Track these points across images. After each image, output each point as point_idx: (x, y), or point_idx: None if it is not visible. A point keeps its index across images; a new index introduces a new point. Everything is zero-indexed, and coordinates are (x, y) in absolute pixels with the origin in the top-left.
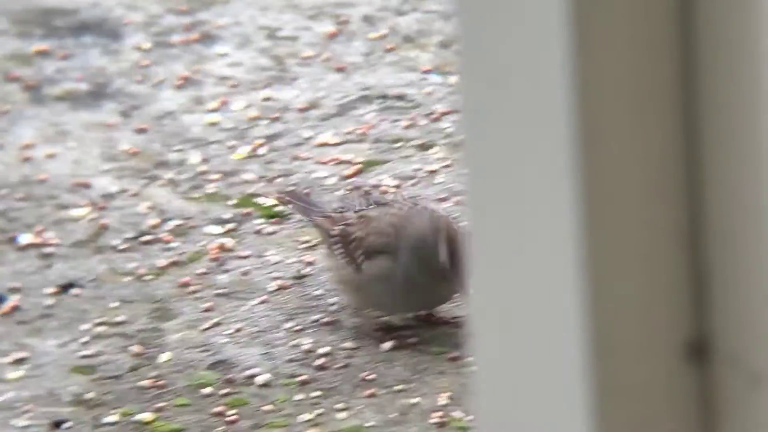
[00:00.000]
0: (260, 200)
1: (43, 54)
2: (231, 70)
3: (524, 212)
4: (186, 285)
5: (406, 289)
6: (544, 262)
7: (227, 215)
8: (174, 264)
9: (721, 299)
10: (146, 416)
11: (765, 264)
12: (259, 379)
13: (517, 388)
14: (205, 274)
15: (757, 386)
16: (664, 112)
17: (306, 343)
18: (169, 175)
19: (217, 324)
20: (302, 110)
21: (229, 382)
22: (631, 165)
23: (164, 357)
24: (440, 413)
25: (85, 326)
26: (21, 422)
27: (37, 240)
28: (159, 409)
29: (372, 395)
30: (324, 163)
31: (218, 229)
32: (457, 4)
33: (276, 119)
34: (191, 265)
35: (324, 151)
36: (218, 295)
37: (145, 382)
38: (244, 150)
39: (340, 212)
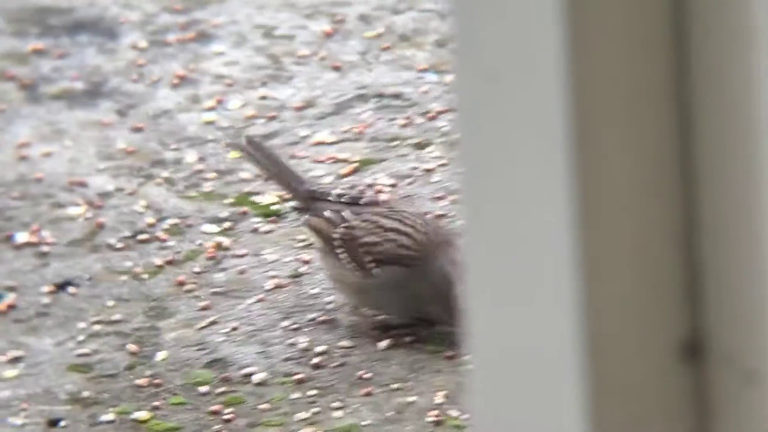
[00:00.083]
0: (257, 199)
1: (39, 53)
2: (227, 68)
3: (519, 211)
4: (182, 284)
5: (416, 296)
6: (539, 260)
7: (224, 214)
8: (170, 263)
9: (715, 298)
10: (142, 415)
11: (759, 262)
12: (256, 378)
13: (512, 386)
14: (201, 272)
15: (751, 384)
16: (658, 110)
17: (302, 341)
18: (165, 173)
19: (213, 323)
20: (298, 109)
21: (226, 380)
22: (625, 163)
23: (160, 355)
24: (436, 412)
25: (81, 325)
26: (17, 421)
27: (34, 239)
28: (155, 408)
29: (368, 394)
30: (320, 162)
31: (215, 228)
32: (452, 2)
33: (272, 118)
34: (187, 263)
35: (320, 150)
36: (215, 293)
37: (141, 381)
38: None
39: (336, 212)
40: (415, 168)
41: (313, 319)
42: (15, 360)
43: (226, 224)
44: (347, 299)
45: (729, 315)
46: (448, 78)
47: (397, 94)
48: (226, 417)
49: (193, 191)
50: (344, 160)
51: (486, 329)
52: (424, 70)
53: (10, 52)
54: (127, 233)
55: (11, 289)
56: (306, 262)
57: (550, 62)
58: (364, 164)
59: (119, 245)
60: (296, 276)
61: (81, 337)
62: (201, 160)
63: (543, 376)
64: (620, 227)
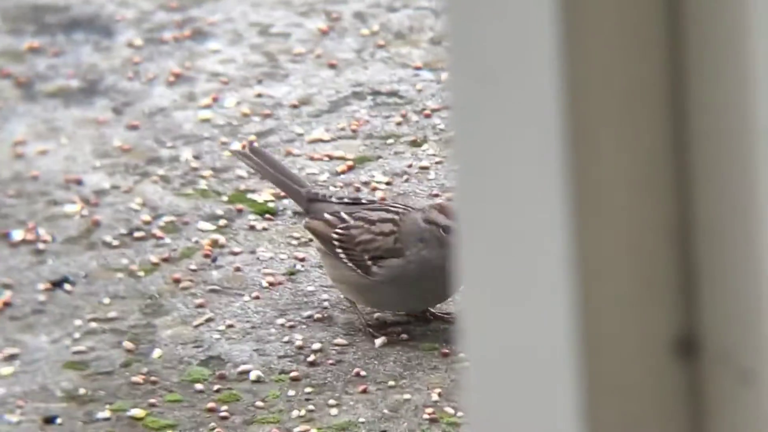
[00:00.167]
0: (252, 196)
1: (35, 51)
2: (223, 66)
3: (514, 209)
4: (178, 281)
5: (418, 285)
6: (534, 258)
7: (219, 211)
8: (166, 260)
9: (710, 296)
10: (138, 412)
11: (753, 261)
12: (252, 375)
13: (507, 384)
14: (197, 270)
15: (746, 383)
16: (652, 109)
17: (298, 339)
18: (161, 171)
19: (209, 320)
20: (294, 107)
21: (222, 378)
22: (619, 161)
23: (156, 353)
24: (432, 409)
25: (77, 322)
26: (13, 418)
27: (30, 236)
28: (151, 405)
29: (364, 391)
30: (316, 160)
31: (210, 226)
32: (447, 1)
33: (268, 116)
34: (184, 261)
35: (316, 148)
36: (210, 291)
37: (137, 378)
38: (236, 146)
39: (334, 214)
40: (410, 165)
41: (308, 317)
42: (11, 357)
43: (222, 222)
44: (352, 299)
45: (724, 314)
46: (444, 76)
47: (393, 91)
48: (221, 414)
49: (188, 189)
50: (340, 158)
51: (481, 327)
52: (420, 68)
53: (6, 49)
54: (123, 231)
55: (7, 286)
56: (301, 260)
57: (545, 60)
58: (360, 162)
59: (115, 243)
60: (292, 273)
61: (77, 335)
62: (197, 157)
63: (538, 374)
64: (615, 226)
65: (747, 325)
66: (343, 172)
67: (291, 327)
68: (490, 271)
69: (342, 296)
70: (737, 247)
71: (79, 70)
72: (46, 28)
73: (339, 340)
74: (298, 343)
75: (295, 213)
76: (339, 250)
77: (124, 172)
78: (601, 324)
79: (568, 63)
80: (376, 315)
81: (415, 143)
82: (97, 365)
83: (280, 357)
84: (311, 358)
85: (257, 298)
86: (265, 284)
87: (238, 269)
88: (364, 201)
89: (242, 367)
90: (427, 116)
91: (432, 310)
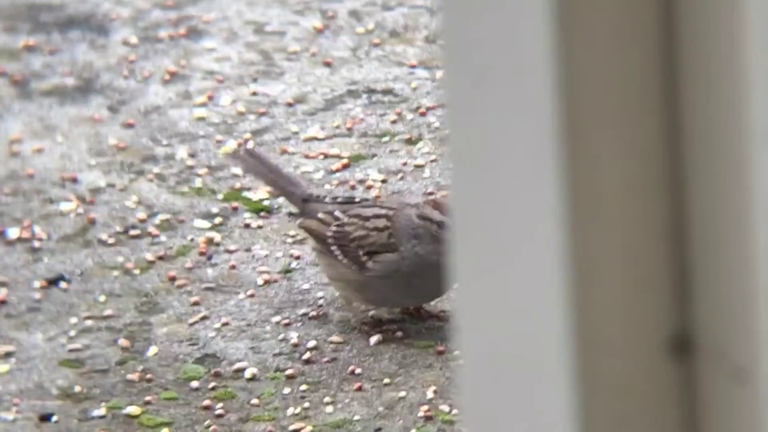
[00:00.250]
0: (248, 194)
1: (31, 49)
2: (218, 64)
3: (508, 207)
4: (174, 279)
5: (413, 281)
6: (529, 257)
7: (215, 209)
8: (162, 258)
9: (704, 295)
10: (134, 410)
11: (747, 260)
12: (247, 373)
13: (502, 383)
14: (192, 268)
15: (740, 381)
16: (647, 108)
17: (293, 336)
18: (156, 169)
19: (204, 318)
20: (289, 105)
21: (217, 375)
22: (614, 160)
23: (152, 351)
24: (427, 407)
25: (73, 320)
26: (9, 416)
27: (25, 234)
28: (146, 403)
29: (359, 389)
30: (311, 158)
31: (206, 224)
32: None
33: (263, 114)
34: (179, 259)
35: (311, 146)
36: (206, 289)
37: (132, 376)
38: (231, 144)
39: (328, 212)
40: (405, 163)
41: (304, 315)
42: (6, 355)
43: (218, 220)
44: (349, 297)
45: (718, 313)
46: (439, 74)
47: (388, 89)
48: (217, 412)
49: (184, 187)
50: (335, 156)
51: (476, 325)
52: (415, 66)
53: (2, 48)
54: (119, 229)
55: (2, 284)
56: (297, 258)
57: (540, 59)
58: (355, 160)
59: (111, 241)
60: (287, 271)
61: (72, 333)
62: (192, 155)
63: (533, 373)
64: (610, 225)
65: (741, 324)
66: (338, 170)
67: (286, 325)
68: (484, 270)
69: (337, 294)
70: (731, 247)
71: (75, 69)
72: (41, 27)
73: (334, 338)
74: (294, 340)
75: (290, 213)
76: (334, 248)
77: (119, 170)
78: (595, 323)
79: (562, 62)
80: (371, 313)
81: (410, 141)
82: (92, 363)
83: (275, 355)
84: (306, 355)
85: (252, 296)
86: (260, 282)
87: (233, 267)
88: (358, 200)
89: (237, 365)
90: (422, 114)
91: (427, 307)
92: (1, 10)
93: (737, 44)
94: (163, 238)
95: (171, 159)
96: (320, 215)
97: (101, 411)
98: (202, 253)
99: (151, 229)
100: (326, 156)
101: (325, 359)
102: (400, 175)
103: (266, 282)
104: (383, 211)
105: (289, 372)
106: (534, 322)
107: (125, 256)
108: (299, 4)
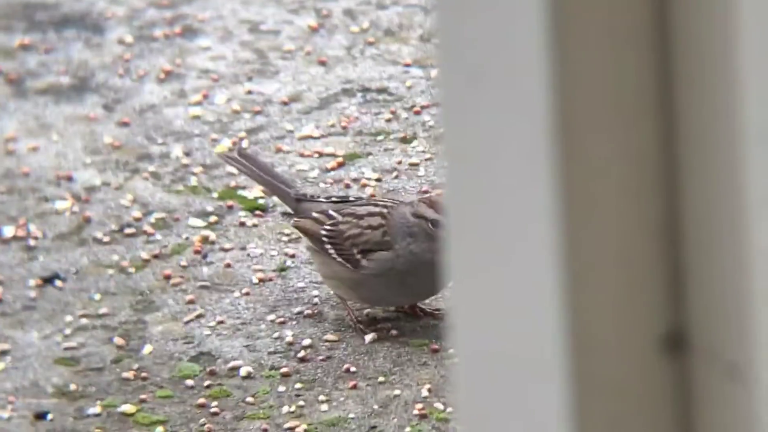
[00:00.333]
0: (243, 193)
1: (26, 47)
2: (213, 63)
3: (503, 206)
4: (169, 277)
5: (407, 279)
6: (523, 255)
7: (210, 208)
8: (157, 256)
9: (698, 294)
10: (129, 408)
11: (740, 259)
12: (242, 371)
13: (496, 380)
14: (187, 266)
15: (733, 379)
16: (641, 108)
17: (288, 335)
18: (151, 168)
19: (199, 316)
20: (284, 103)
21: (212, 374)
22: (608, 160)
23: (147, 349)
24: (422, 405)
25: (68, 318)
26: (4, 414)
27: (21, 233)
28: (142, 401)
29: (354, 387)
30: (306, 156)
31: (201, 222)
32: None
33: (258, 112)
34: (174, 257)
35: (306, 144)
36: (201, 287)
37: (128, 374)
38: (226, 143)
39: (321, 211)
40: (400, 162)
41: (299, 313)
42: (1, 353)
43: (213, 218)
44: (343, 295)
45: (711, 311)
46: (433, 73)
47: (383, 88)
48: (212, 410)
49: (179, 185)
50: (330, 154)
51: (470, 324)
52: (409, 65)
53: None
54: (114, 227)
55: None
56: (292, 256)
57: (534, 58)
58: (350, 158)
59: (106, 239)
60: (282, 270)
61: (68, 331)
62: (187, 154)
63: (527, 371)
64: (604, 224)
65: (734, 323)
66: (332, 169)
67: (281, 323)
68: (479, 268)
69: (332, 292)
70: (724, 246)
71: (70, 67)
72: (37, 25)
73: (329, 336)
74: (289, 339)
75: (284, 213)
76: (328, 246)
77: (114, 169)
78: (589, 321)
79: (557, 62)
80: (366, 311)
81: (404, 140)
82: (87, 361)
83: (270, 353)
84: (301, 354)
85: (247, 294)
86: (255, 280)
87: (228, 265)
88: (352, 199)
89: (232, 363)
90: (417, 113)
91: (422, 306)
92: None
93: (731, 45)
94: (158, 236)
95: (166, 157)
96: (314, 214)
97: (96, 409)
98: (197, 252)
99: (147, 228)
100: (321, 154)
101: (320, 357)
102: (394, 174)
103: (261, 280)
104: (377, 210)
105: (284, 370)
106: (528, 321)
107: (120, 255)
108: (294, 3)
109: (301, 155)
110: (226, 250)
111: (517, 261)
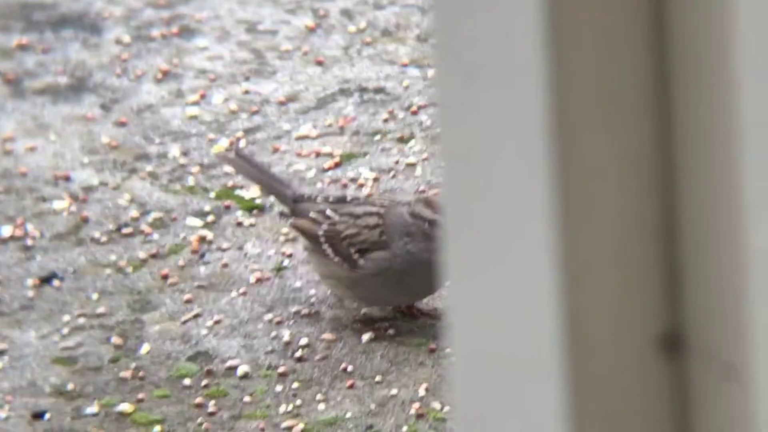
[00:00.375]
0: (240, 193)
1: (24, 48)
2: (210, 63)
3: (500, 206)
4: (166, 277)
5: (405, 279)
6: (520, 255)
7: (207, 207)
8: (154, 256)
9: (694, 294)
10: (126, 407)
11: (737, 258)
12: (239, 371)
13: (493, 380)
14: (185, 266)
15: (729, 379)
16: (637, 107)
17: (285, 334)
18: (149, 167)
19: (197, 316)
20: (281, 103)
21: (209, 373)
22: (605, 159)
23: (144, 348)
24: (419, 404)
25: (65, 318)
26: (2, 413)
27: (18, 232)
28: (139, 401)
29: (351, 386)
30: (303, 156)
31: (198, 222)
32: None
33: (255, 112)
34: (171, 257)
35: (303, 144)
36: (198, 287)
37: (125, 374)
38: (224, 143)
39: (319, 212)
40: (397, 162)
41: (296, 312)
42: None
43: (210, 218)
44: (340, 295)
45: (708, 311)
46: (430, 73)
47: (380, 88)
48: (209, 410)
49: (176, 185)
50: (327, 154)
51: (467, 324)
52: (406, 65)
53: None
54: (111, 227)
55: None
56: (289, 256)
57: (531, 58)
58: (347, 158)
59: (103, 239)
60: (279, 269)
61: (65, 330)
62: (184, 154)
63: (524, 371)
64: (600, 224)
65: (730, 323)
66: (330, 169)
67: (278, 323)
68: (476, 268)
69: (329, 292)
70: (721, 246)
71: (68, 67)
72: (34, 25)
73: (326, 336)
74: (286, 338)
75: (282, 214)
76: (326, 246)
77: (112, 169)
78: (586, 321)
79: (554, 62)
80: (363, 311)
81: (401, 140)
82: (85, 361)
83: (267, 352)
84: (298, 353)
85: (245, 293)
86: (252, 280)
87: (225, 265)
88: (349, 199)
89: (230, 363)
90: (414, 113)
91: (418, 305)
92: None
93: (728, 45)
94: (155, 236)
95: (163, 157)
96: (312, 214)
97: (94, 408)
98: (194, 252)
99: (144, 228)
100: (318, 154)
101: (317, 357)
102: (391, 174)
103: (258, 280)
104: (374, 209)
105: (281, 370)
106: (525, 321)
107: (118, 255)
108: (291, 3)
109: (299, 155)
110: (223, 250)
111: (515, 261)
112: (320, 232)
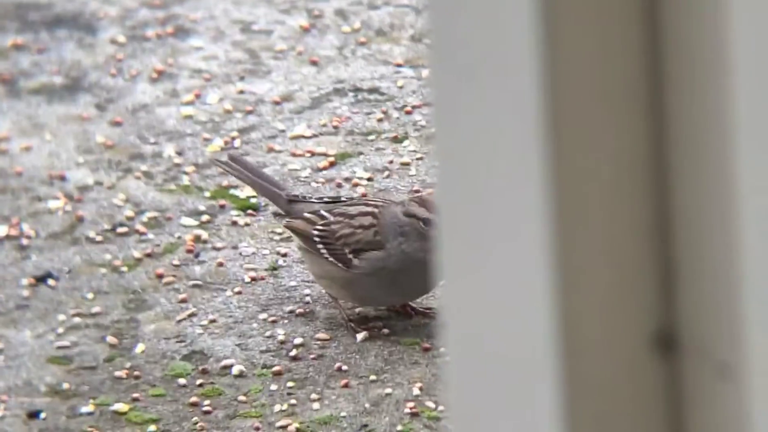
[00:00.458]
0: (235, 192)
1: (19, 47)
2: (205, 63)
3: (494, 205)
4: (161, 276)
5: (399, 278)
6: (514, 255)
7: (202, 207)
8: (149, 255)
9: (688, 292)
10: (121, 406)
11: (731, 257)
12: (234, 370)
13: (487, 380)
14: (180, 265)
15: (723, 377)
16: (631, 107)
17: (280, 333)
18: (144, 167)
19: (192, 315)
20: (276, 103)
21: (204, 372)
22: (599, 159)
23: (140, 348)
24: (413, 403)
25: (60, 317)
26: None
27: (13, 232)
28: (134, 400)
29: (346, 385)
30: (298, 156)
31: (193, 221)
32: None
33: (250, 112)
34: (166, 256)
35: (298, 144)
36: (193, 286)
37: (120, 373)
38: (218, 142)
39: (313, 212)
40: (391, 161)
41: (290, 312)
42: None
43: (205, 217)
44: (335, 294)
45: (701, 310)
46: (425, 73)
47: (374, 88)
48: (204, 409)
49: (171, 184)
50: (321, 154)
51: (462, 323)
52: (401, 65)
53: None
54: (107, 226)
55: None
56: (284, 255)
57: (526, 58)
58: (341, 158)
59: (98, 238)
60: (274, 268)
61: (60, 330)
62: (179, 153)
63: (518, 371)
64: (594, 223)
65: (724, 321)
66: (324, 168)
67: (273, 322)
68: (470, 267)
69: (324, 291)
70: (715, 245)
71: (63, 67)
72: (29, 25)
73: (321, 335)
74: (280, 337)
75: (276, 214)
76: (320, 246)
77: (107, 168)
78: (580, 320)
79: (548, 62)
80: (357, 310)
81: (396, 139)
82: (80, 360)
83: (262, 352)
84: (293, 352)
85: (240, 293)
86: (247, 279)
87: (220, 264)
88: (343, 199)
89: (225, 362)
90: (408, 113)
91: (413, 305)
92: None
93: (721, 45)
94: (150, 235)
95: (158, 157)
96: (306, 214)
97: (89, 408)
98: (189, 251)
99: (139, 227)
100: (313, 154)
101: (312, 356)
102: (386, 173)
103: (253, 279)
104: (369, 209)
105: (276, 369)
106: (519, 320)
107: (113, 254)
108: (285, 3)
109: (293, 155)
110: (218, 249)
111: (508, 260)
112: (315, 233)
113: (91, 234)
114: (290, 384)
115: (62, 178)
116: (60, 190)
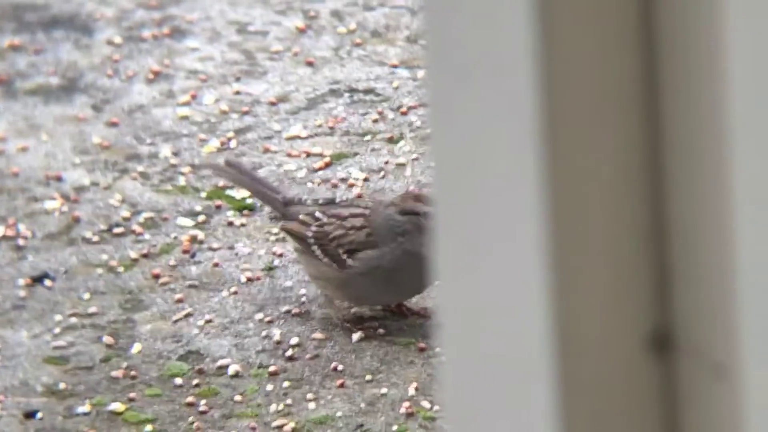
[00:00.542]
0: (231, 192)
1: (15, 48)
2: (201, 64)
3: (490, 206)
4: (157, 276)
5: (394, 277)
6: (510, 255)
7: (198, 207)
8: (145, 256)
9: (684, 293)
10: (118, 406)
11: (725, 258)
12: (230, 370)
13: (483, 380)
14: (176, 265)
15: (718, 377)
16: (627, 110)
17: (276, 334)
18: (140, 167)
19: (188, 315)
20: (272, 104)
21: (200, 372)
22: (595, 160)
23: (136, 348)
24: (409, 403)
25: (57, 317)
26: None
27: (10, 232)
28: (131, 400)
29: (341, 385)
30: (293, 156)
31: (189, 222)
32: None
33: (246, 113)
34: (163, 256)
35: (293, 144)
36: (189, 286)
37: (117, 373)
38: (214, 143)
39: (308, 214)
40: (387, 162)
41: (286, 312)
42: None
43: (201, 218)
44: (330, 295)
45: (697, 310)
46: (420, 74)
47: (370, 89)
48: (200, 409)
49: (167, 185)
50: (317, 154)
51: (458, 323)
52: (396, 66)
53: None
54: (103, 227)
55: None
56: (279, 255)
57: (521, 59)
58: (337, 158)
59: (95, 239)
60: (270, 269)
61: (57, 330)
62: (175, 154)
63: (514, 371)
64: (590, 223)
65: (719, 321)
66: (320, 169)
67: (269, 322)
68: (466, 268)
69: (320, 292)
70: (710, 246)
71: (59, 68)
72: (26, 26)
73: (317, 335)
74: (276, 338)
75: (272, 216)
76: (314, 247)
77: (103, 169)
78: (576, 321)
79: (544, 63)
80: (353, 310)
81: (391, 140)
82: (77, 360)
83: (258, 352)
84: (289, 352)
85: (235, 293)
86: (243, 279)
87: (216, 265)
88: (338, 200)
89: (221, 362)
90: (404, 114)
91: (408, 305)
92: None
93: (717, 48)
94: (146, 236)
95: (155, 157)
96: (301, 216)
97: (86, 408)
98: (185, 251)
99: (135, 227)
100: (308, 154)
101: (308, 356)
102: (381, 174)
103: (249, 279)
104: (359, 210)
105: (271, 369)
106: (515, 321)
107: (109, 254)
108: (281, 4)
109: (289, 155)
110: (214, 250)
111: (505, 261)
112: (309, 234)
113: (88, 234)
114: (286, 384)
115: (59, 179)
116: (56, 191)
